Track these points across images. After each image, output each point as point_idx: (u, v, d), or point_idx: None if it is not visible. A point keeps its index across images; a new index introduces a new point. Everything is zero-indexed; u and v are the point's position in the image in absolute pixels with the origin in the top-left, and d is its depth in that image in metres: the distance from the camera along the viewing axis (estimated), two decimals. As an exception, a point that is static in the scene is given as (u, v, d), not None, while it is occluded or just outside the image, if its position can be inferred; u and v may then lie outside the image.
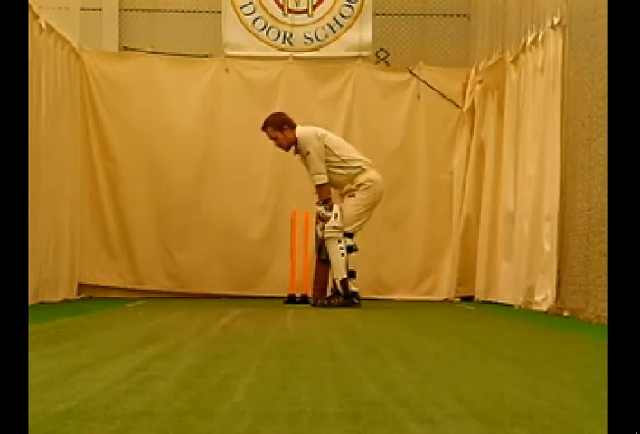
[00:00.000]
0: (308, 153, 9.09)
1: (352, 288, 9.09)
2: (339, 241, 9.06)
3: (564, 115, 8.54)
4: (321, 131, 9.29)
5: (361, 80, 11.32)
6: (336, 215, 9.09)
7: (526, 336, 6.42)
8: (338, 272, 9.05)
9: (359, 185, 9.19)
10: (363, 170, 9.23)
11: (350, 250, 9.09)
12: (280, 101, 10.22)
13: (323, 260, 9.24)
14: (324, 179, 9.14)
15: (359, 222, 9.21)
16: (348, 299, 9.05)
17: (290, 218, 10.37)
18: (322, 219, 9.18)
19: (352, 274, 9.10)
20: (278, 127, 9.21)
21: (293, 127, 9.22)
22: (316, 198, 9.31)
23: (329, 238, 9.08)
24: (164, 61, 11.29)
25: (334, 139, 9.33)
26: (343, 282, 9.04)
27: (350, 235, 9.14)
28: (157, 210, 11.18)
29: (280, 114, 9.44)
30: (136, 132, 11.12)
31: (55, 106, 9.62)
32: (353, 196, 9.21)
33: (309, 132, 9.20)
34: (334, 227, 9.08)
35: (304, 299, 9.93)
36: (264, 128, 9.29)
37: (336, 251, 9.06)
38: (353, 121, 11.29)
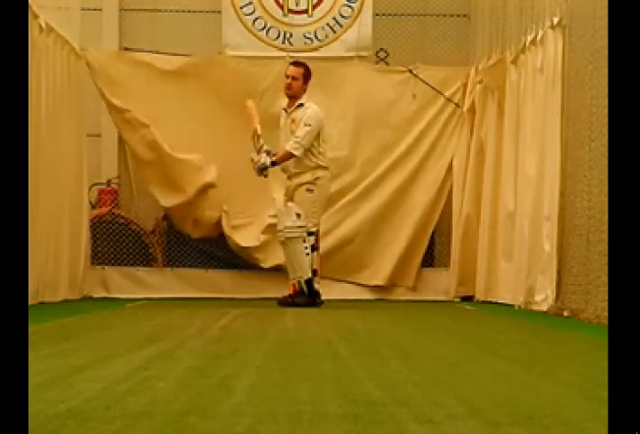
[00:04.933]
0: (310, 125, 9.18)
1: (316, 287, 9.16)
2: (304, 241, 9.09)
3: (564, 115, 8.54)
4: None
5: (360, 79, 11.31)
6: (299, 215, 9.11)
7: (526, 336, 6.42)
8: (303, 271, 9.09)
9: (316, 179, 9.24)
10: (325, 168, 9.31)
11: (312, 248, 9.13)
12: (280, 101, 10.15)
13: None
14: (299, 153, 9.16)
15: (317, 219, 9.28)
16: (312, 298, 9.09)
17: (290, 218, 10.35)
18: (253, 160, 9.26)
19: (313, 273, 9.14)
20: (306, 76, 9.38)
21: (306, 88, 9.38)
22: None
23: (294, 237, 9.10)
24: (164, 62, 11.27)
25: (325, 130, 9.46)
26: (309, 281, 9.08)
27: (312, 233, 9.17)
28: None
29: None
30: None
31: (55, 106, 9.61)
32: (311, 192, 9.23)
33: (320, 112, 9.36)
34: (300, 226, 9.10)
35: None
36: (299, 64, 9.46)
37: (301, 251, 9.09)
38: (353, 121, 11.28)
